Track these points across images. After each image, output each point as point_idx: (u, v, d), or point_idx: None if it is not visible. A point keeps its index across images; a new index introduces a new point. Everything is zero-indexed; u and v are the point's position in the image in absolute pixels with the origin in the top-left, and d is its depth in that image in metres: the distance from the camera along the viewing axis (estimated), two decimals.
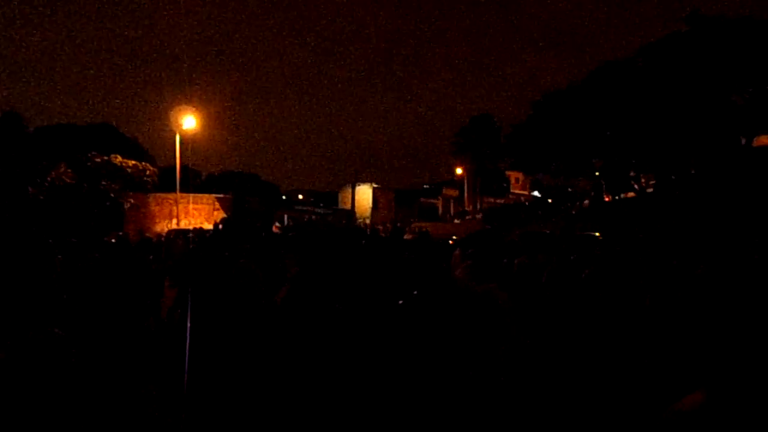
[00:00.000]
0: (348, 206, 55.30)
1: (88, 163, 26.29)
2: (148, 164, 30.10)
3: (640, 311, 3.59)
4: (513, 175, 66.20)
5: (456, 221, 52.11)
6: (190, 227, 21.40)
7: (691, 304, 3.25)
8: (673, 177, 35.19)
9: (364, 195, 58.27)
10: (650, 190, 37.86)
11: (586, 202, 44.60)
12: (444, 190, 67.56)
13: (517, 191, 67.80)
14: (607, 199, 42.05)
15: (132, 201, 27.62)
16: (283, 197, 60.91)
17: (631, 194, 39.27)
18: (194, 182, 44.74)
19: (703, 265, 5.29)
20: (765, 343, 1.65)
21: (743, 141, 31.13)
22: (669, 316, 3.34)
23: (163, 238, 17.38)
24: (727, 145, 30.86)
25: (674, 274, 4.91)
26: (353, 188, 55.88)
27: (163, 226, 27.31)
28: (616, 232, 20.93)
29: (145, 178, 28.81)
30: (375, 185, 60.06)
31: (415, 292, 3.50)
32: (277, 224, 30.87)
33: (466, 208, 59.27)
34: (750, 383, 1.61)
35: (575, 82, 37.51)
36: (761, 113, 29.20)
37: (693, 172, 34.54)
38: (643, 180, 39.34)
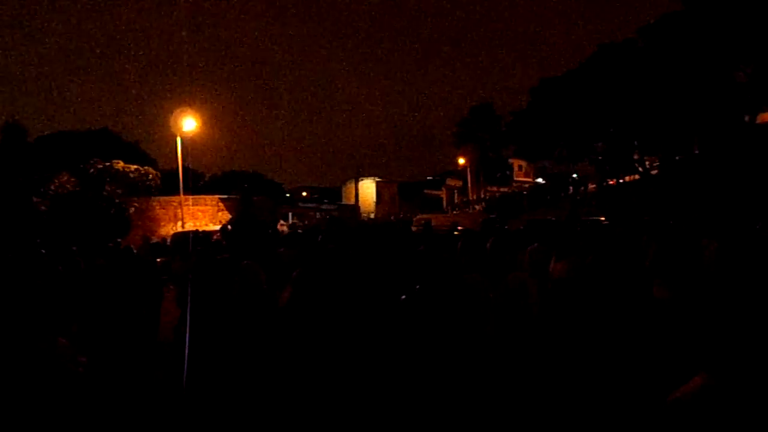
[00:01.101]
0: (352, 201, 55.29)
1: (90, 170, 26.35)
2: (150, 168, 30.13)
3: (644, 296, 3.56)
4: (516, 163, 65.92)
5: (455, 212, 51.90)
6: (195, 229, 21.46)
7: (698, 287, 3.22)
8: (677, 158, 34.94)
9: (368, 189, 58.24)
10: (654, 171, 37.61)
11: (591, 186, 44.39)
12: (447, 181, 67.39)
13: (521, 179, 67.52)
14: (611, 183, 41.82)
15: (136, 206, 27.67)
16: (287, 195, 60.98)
17: (635, 177, 39.05)
18: (197, 184, 44.87)
19: (710, 248, 5.25)
20: (764, 329, 1.65)
21: (747, 118, 30.85)
22: (675, 300, 3.31)
23: (168, 242, 17.43)
24: (731, 124, 30.58)
25: (681, 256, 4.86)
26: (356, 183, 55.84)
27: (168, 229, 27.37)
28: (622, 215, 20.83)
29: (147, 182, 28.85)
30: (378, 179, 60.01)
31: (418, 287, 3.48)
32: (282, 222, 30.88)
33: (470, 198, 59.12)
34: (749, 367, 1.61)
35: (574, 66, 37.28)
36: (764, 90, 28.91)
37: (697, 151, 34.30)
38: (647, 162, 39.08)
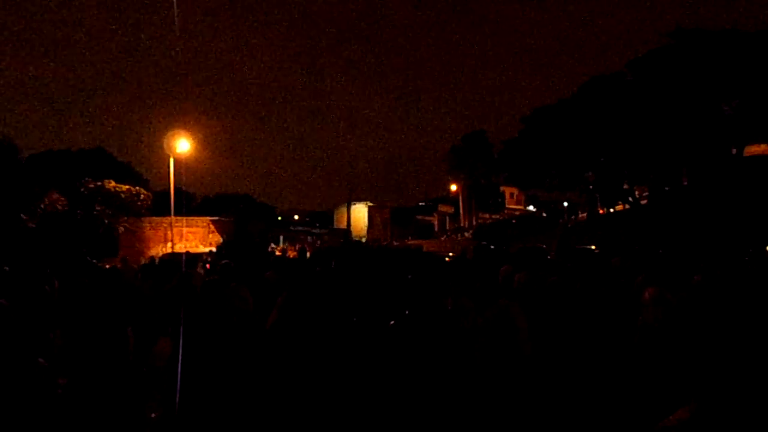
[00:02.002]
0: (344, 225, 55.27)
1: (81, 189, 26.23)
2: (142, 188, 30.06)
3: (632, 323, 3.56)
4: (508, 191, 66.37)
5: (442, 238, 51.94)
6: (186, 250, 21.30)
7: (685, 317, 3.23)
8: (666, 188, 35.38)
9: (360, 214, 58.28)
10: (644, 201, 38.02)
11: (582, 215, 44.68)
12: (440, 207, 67.63)
13: (512, 206, 67.92)
14: (601, 212, 42.17)
15: (126, 226, 27.50)
16: (279, 218, 60.84)
17: (625, 206, 39.44)
18: (189, 205, 44.72)
19: (698, 277, 5.29)
20: (752, 359, 1.66)
21: (734, 151, 31.40)
22: (663, 328, 3.31)
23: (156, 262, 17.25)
24: (719, 156, 31.10)
25: (670, 286, 4.88)
26: (349, 207, 55.91)
27: (158, 250, 27.16)
28: (612, 244, 20.93)
29: (139, 203, 28.73)
30: (370, 204, 60.12)
31: (407, 312, 3.47)
32: (273, 245, 30.67)
33: (462, 225, 59.29)
34: (737, 399, 1.61)
35: (566, 96, 37.95)
36: (749, 123, 29.51)
37: (685, 182, 34.76)
38: (637, 192, 39.53)
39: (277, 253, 21.50)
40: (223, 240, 27.70)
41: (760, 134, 30.39)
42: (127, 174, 36.27)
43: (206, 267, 13.45)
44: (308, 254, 14.12)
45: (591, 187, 40.58)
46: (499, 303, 3.02)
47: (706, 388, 1.73)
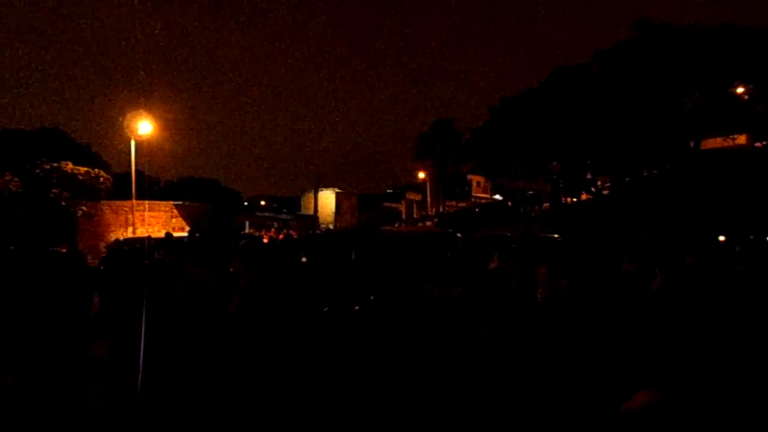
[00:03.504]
0: (311, 211, 54.87)
1: (37, 171, 25.17)
2: (101, 171, 29.03)
3: (598, 313, 3.64)
4: (475, 179, 67.07)
5: (404, 226, 52.15)
6: (148, 235, 20.79)
7: (644, 307, 3.31)
8: (627, 179, 36.35)
9: (327, 200, 57.94)
10: (606, 192, 39.01)
11: (546, 204, 45.54)
12: (407, 195, 67.86)
13: (479, 195, 68.71)
14: (566, 201, 43.08)
15: (84, 209, 26.56)
16: (245, 203, 59.97)
17: (588, 196, 40.39)
18: (152, 189, 43.52)
19: (690, 259, 5.51)
20: (709, 345, 1.71)
21: (692, 144, 32.47)
22: (623, 316, 3.39)
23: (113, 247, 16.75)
24: (677, 148, 32.11)
25: (628, 278, 5.02)
26: (316, 193, 55.51)
27: (118, 235, 26.40)
28: (575, 233, 21.42)
29: (98, 186, 27.76)
30: (338, 190, 59.81)
31: (372, 297, 3.45)
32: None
33: (429, 212, 59.67)
34: (695, 382, 1.66)
35: (533, 86, 38.40)
36: (708, 117, 30.52)
37: (645, 173, 35.79)
38: (599, 182, 40.52)
39: (266, 240, 21.16)
40: (191, 225, 27.12)
41: (717, 128, 31.50)
42: (85, 156, 35.02)
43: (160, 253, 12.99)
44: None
45: (555, 176, 41.35)
46: (463, 288, 3.04)
47: (665, 376, 1.77)
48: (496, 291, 4.80)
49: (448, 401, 2.57)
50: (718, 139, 32.93)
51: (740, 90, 30.33)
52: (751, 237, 14.31)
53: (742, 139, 33.09)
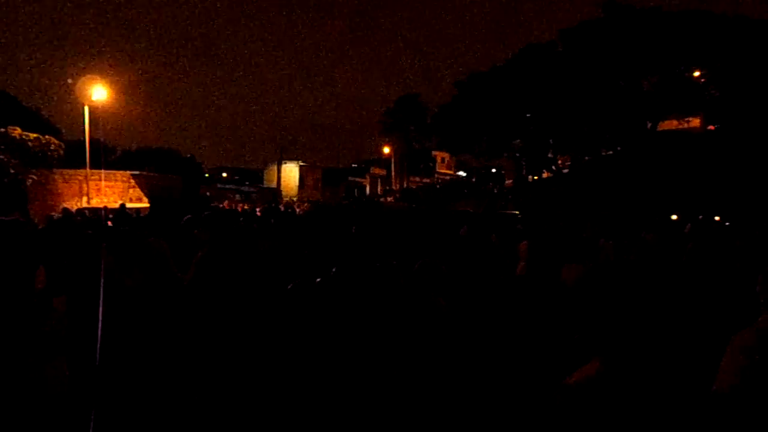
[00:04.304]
0: (274, 184, 54.17)
1: None
2: (52, 138, 27.73)
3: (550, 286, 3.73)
4: (439, 155, 67.33)
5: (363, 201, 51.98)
6: (104, 206, 20.13)
7: (595, 280, 3.41)
8: (586, 158, 37.17)
9: (291, 173, 57.25)
10: (566, 170, 39.84)
11: (509, 181, 46.18)
12: (372, 170, 67.66)
13: (443, 171, 69.12)
14: (529, 179, 43.80)
15: (34, 178, 25.41)
16: (206, 175, 58.65)
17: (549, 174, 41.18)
18: (108, 158, 41.91)
19: (650, 236, 5.73)
20: (650, 319, 1.80)
21: (649, 125, 33.37)
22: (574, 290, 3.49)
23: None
24: (635, 129, 32.96)
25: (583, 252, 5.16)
26: (279, 166, 54.72)
27: (72, 205, 25.43)
28: (535, 210, 21.87)
29: (49, 153, 26.55)
30: (302, 163, 59.11)
31: (333, 270, 3.44)
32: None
33: (394, 187, 59.75)
34: (636, 354, 1.75)
35: (501, 63, 38.50)
36: (665, 99, 31.37)
37: (604, 153, 36.66)
38: (560, 161, 41.30)
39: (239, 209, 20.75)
40: (150, 196, 26.36)
41: (673, 110, 32.40)
42: (35, 121, 33.31)
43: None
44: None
45: (518, 154, 41.90)
46: (423, 261, 3.06)
47: (610, 347, 1.84)
48: (472, 265, 4.89)
49: (403, 372, 2.60)
50: (674, 121, 33.89)
51: (697, 74, 31.22)
52: (701, 216, 14.92)
53: (696, 122, 34.14)
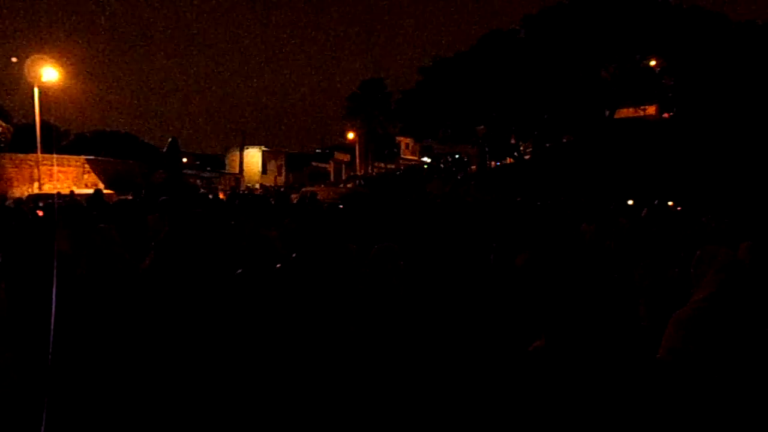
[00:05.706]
0: (236, 170, 53.23)
1: None
2: (0, 121, 26.57)
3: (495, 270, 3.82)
4: (404, 141, 67.38)
5: (321, 186, 51.55)
6: (57, 191, 19.38)
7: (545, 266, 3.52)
8: (547, 145, 37.89)
9: (253, 158, 56.28)
10: (527, 156, 40.54)
11: (473, 167, 46.64)
12: (336, 155, 67.14)
13: (408, 157, 69.25)
14: (492, 165, 44.36)
15: None
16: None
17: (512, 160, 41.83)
18: (61, 143, 40.33)
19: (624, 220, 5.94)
20: (590, 300, 1.94)
21: (607, 113, 34.24)
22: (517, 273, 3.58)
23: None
24: (594, 116, 33.76)
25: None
26: (241, 151, 53.72)
27: (22, 191, 24.42)
28: (497, 195, 22.20)
29: None
30: (264, 148, 58.15)
31: (294, 255, 3.42)
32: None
33: (358, 173, 59.54)
34: (577, 331, 1.92)
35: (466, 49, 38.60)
36: (622, 88, 32.21)
37: (564, 140, 37.45)
38: (522, 147, 41.96)
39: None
40: (105, 182, 25.49)
41: (630, 99, 33.32)
42: None
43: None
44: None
45: (481, 140, 42.34)
46: (380, 245, 3.08)
47: (552, 325, 1.99)
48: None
49: (359, 354, 2.62)
50: (630, 109, 34.84)
51: (653, 63, 32.14)
52: (656, 201, 15.45)
53: (651, 110, 35.18)
